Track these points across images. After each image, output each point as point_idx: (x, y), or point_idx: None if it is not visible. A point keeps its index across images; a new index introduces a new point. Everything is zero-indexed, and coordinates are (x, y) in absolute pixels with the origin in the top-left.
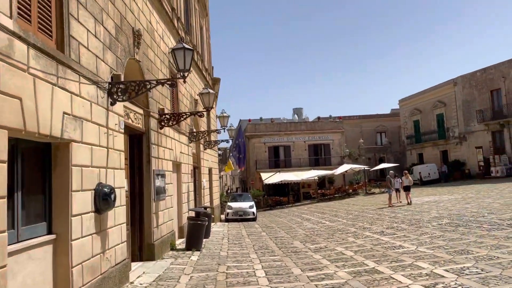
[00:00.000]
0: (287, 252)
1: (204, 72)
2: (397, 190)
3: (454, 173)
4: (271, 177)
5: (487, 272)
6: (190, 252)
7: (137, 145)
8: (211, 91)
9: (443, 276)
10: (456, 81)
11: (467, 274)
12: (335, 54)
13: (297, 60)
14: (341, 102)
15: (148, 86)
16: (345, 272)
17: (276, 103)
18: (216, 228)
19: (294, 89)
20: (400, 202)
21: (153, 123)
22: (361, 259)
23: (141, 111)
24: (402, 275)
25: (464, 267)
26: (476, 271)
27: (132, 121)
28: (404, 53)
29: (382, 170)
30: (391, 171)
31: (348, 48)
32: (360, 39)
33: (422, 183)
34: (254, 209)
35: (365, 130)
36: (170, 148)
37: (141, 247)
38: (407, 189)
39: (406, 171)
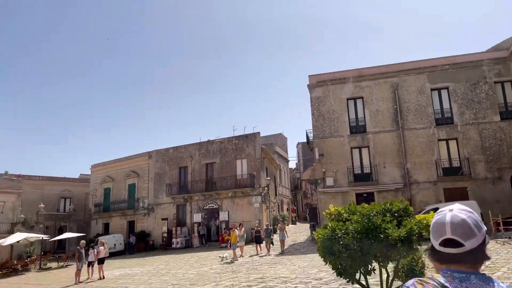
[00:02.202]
0: None
1: None
2: (90, 264)
3: (139, 244)
4: None
5: None
6: None
7: None
8: None
9: None
10: (151, 154)
11: None
12: (23, 110)
13: None
14: (22, 158)
15: None
16: None
17: None
18: None
19: None
20: (91, 277)
21: None
22: None
23: None
24: None
25: None
26: None
27: None
28: (101, 119)
29: (61, 241)
30: (82, 241)
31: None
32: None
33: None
34: None
35: (47, 194)
36: None
37: None
38: (101, 261)
39: (104, 241)
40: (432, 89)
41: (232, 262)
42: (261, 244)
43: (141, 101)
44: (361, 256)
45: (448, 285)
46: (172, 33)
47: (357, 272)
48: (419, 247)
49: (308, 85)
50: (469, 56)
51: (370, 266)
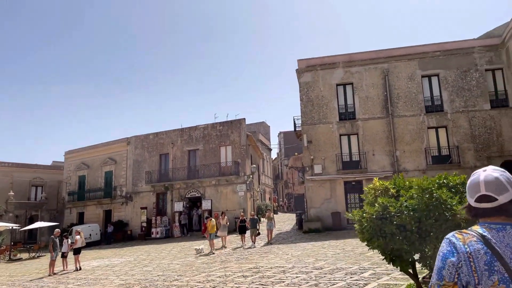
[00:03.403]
0: None
1: None
2: (63, 254)
3: (116, 233)
4: None
5: None
6: None
7: None
8: None
9: None
10: (129, 140)
11: None
12: None
13: None
14: None
15: None
16: None
17: None
18: None
19: None
20: (66, 268)
21: None
22: None
23: None
24: None
25: None
26: None
27: None
28: (80, 105)
29: (32, 231)
30: (57, 229)
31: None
32: (23, 90)
33: None
34: None
35: (17, 181)
36: None
37: None
38: (77, 251)
39: (79, 229)
40: (422, 76)
41: (208, 254)
42: (246, 235)
43: (119, 86)
44: (419, 238)
45: (486, 234)
46: (157, 15)
47: (412, 258)
48: None
49: (296, 70)
50: (461, 43)
51: (427, 251)
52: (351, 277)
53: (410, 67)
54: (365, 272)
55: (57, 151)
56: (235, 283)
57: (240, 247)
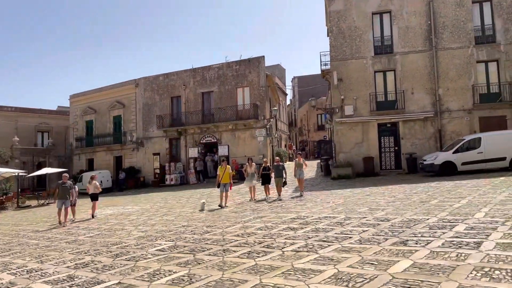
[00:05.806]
0: None
1: None
2: (71, 203)
3: (128, 180)
4: None
5: None
6: None
7: None
8: None
9: None
10: (138, 83)
11: None
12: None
13: None
14: None
15: None
16: None
17: None
18: None
19: None
20: (74, 218)
21: None
22: None
23: None
24: None
25: None
26: None
27: None
28: (84, 47)
29: (40, 177)
30: (65, 174)
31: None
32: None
33: None
34: None
35: (22, 126)
36: None
37: None
38: (94, 198)
39: (95, 174)
40: (473, 1)
41: (214, 210)
42: (270, 185)
43: (125, 24)
44: None
45: None
46: None
47: None
48: None
49: None
50: None
51: None
52: (442, 233)
53: None
54: (455, 225)
55: (62, 95)
56: (285, 238)
57: (263, 200)
